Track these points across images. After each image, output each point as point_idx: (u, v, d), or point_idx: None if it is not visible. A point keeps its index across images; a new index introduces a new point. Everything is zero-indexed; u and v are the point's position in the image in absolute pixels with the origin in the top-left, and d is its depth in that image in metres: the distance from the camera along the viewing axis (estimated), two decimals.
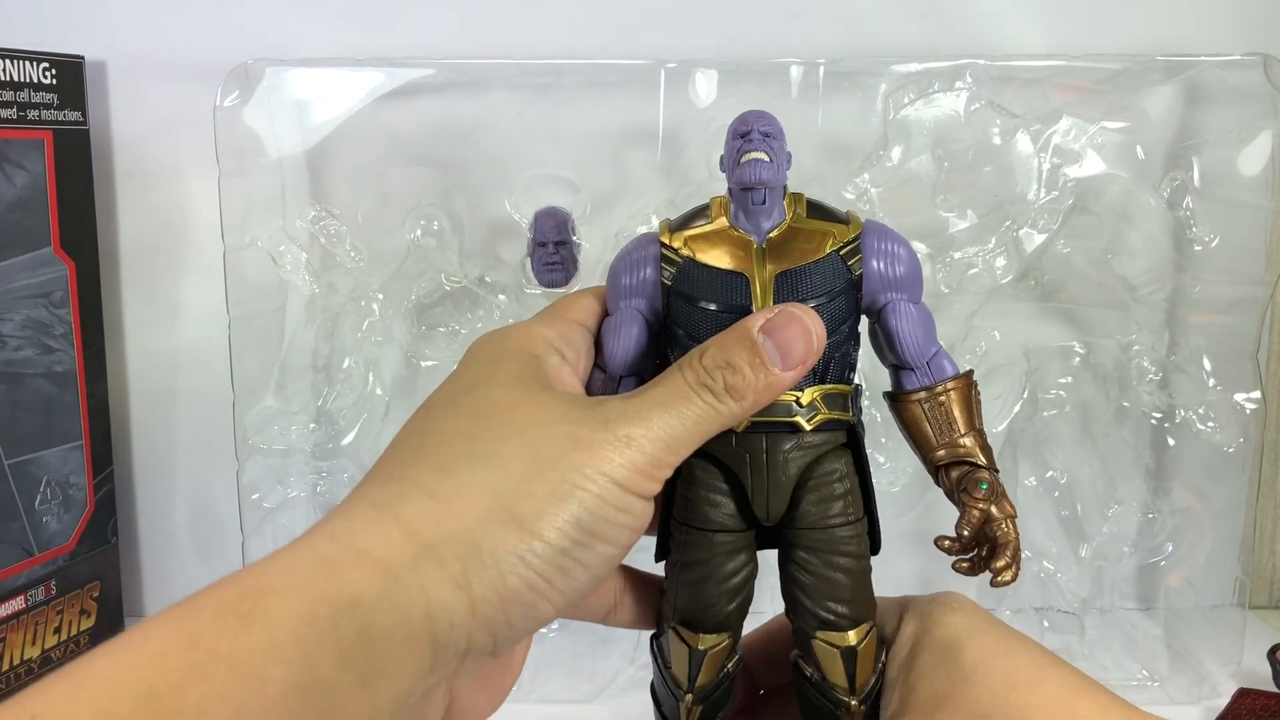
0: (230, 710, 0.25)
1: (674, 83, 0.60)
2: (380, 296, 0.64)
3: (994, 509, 0.38)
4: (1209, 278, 0.62)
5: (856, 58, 0.61)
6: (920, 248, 0.61)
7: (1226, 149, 0.61)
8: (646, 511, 0.33)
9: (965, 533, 0.39)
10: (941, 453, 0.39)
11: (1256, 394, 0.62)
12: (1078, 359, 0.65)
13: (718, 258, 0.39)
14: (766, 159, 0.38)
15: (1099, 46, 0.62)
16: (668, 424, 0.34)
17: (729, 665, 0.41)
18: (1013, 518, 0.39)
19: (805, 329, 0.35)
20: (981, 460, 0.39)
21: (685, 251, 0.39)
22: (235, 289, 0.62)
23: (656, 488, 0.33)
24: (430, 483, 0.31)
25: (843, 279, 0.38)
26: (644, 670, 0.51)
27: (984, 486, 0.38)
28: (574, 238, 0.60)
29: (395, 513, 0.30)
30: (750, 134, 0.38)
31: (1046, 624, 0.64)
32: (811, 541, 0.39)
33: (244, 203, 0.62)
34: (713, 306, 0.38)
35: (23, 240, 0.62)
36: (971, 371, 0.40)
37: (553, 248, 0.59)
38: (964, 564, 0.39)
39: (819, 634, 0.39)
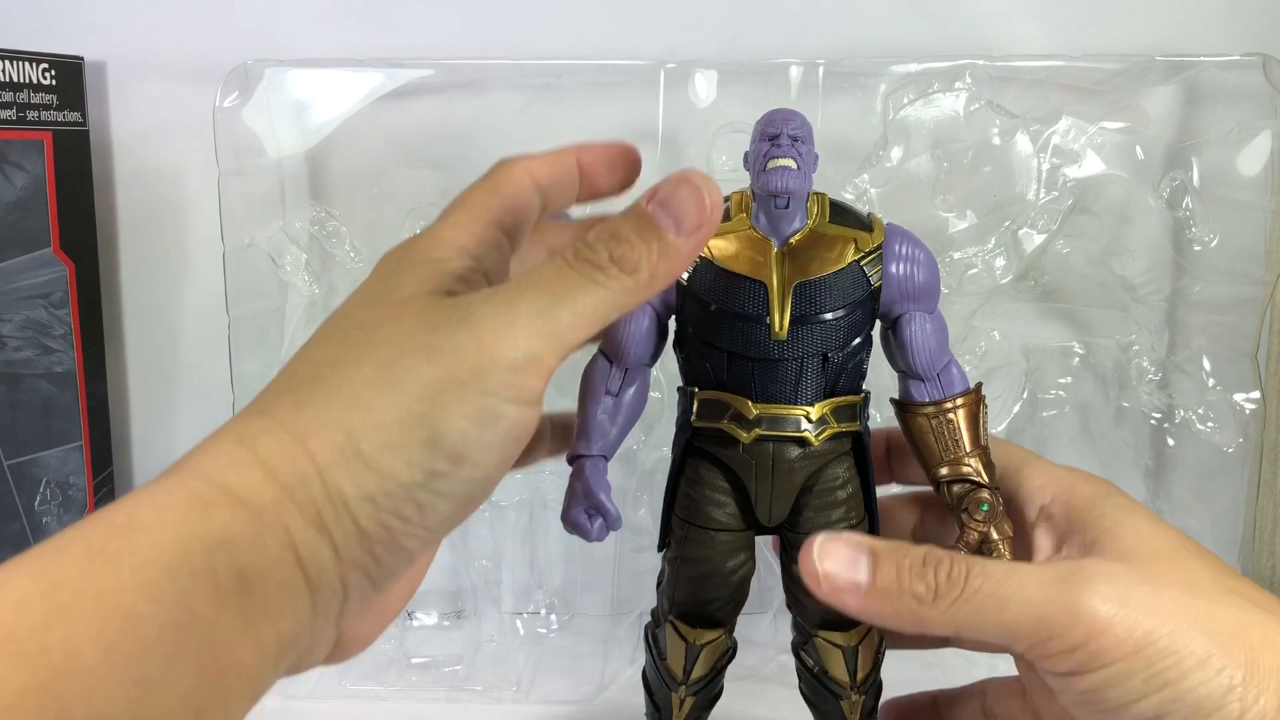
0: (100, 650, 0.24)
1: (674, 83, 0.60)
2: None
3: (993, 530, 0.38)
4: (1208, 278, 0.62)
5: (856, 58, 0.61)
6: None
7: (1226, 149, 0.61)
8: (526, 420, 0.30)
9: (962, 552, 0.39)
10: (945, 470, 0.39)
11: (1256, 394, 0.62)
12: (1077, 359, 0.65)
13: (734, 260, 0.37)
14: (794, 166, 0.36)
15: (1098, 47, 0.62)
16: (542, 311, 0.29)
17: (722, 659, 0.41)
18: (1010, 539, 0.39)
19: (695, 189, 0.32)
20: (985, 480, 0.39)
21: (703, 251, 0.38)
22: (235, 289, 0.62)
23: (537, 387, 0.30)
24: (288, 418, 0.29)
25: (863, 290, 0.37)
26: None
27: (985, 509, 0.38)
28: None
29: (255, 450, 0.28)
30: (779, 138, 0.37)
31: None
32: None
33: (244, 203, 0.62)
34: (731, 313, 0.37)
35: (22, 241, 0.62)
36: (980, 385, 0.40)
37: None
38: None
39: (821, 633, 0.40)
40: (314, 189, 0.66)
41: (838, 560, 0.34)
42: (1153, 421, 0.64)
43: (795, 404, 0.38)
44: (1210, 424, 0.63)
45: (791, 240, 0.38)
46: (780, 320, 0.37)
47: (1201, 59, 0.60)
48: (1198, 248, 0.61)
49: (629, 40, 0.65)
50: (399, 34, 0.66)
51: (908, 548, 0.34)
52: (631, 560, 0.65)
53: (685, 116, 0.60)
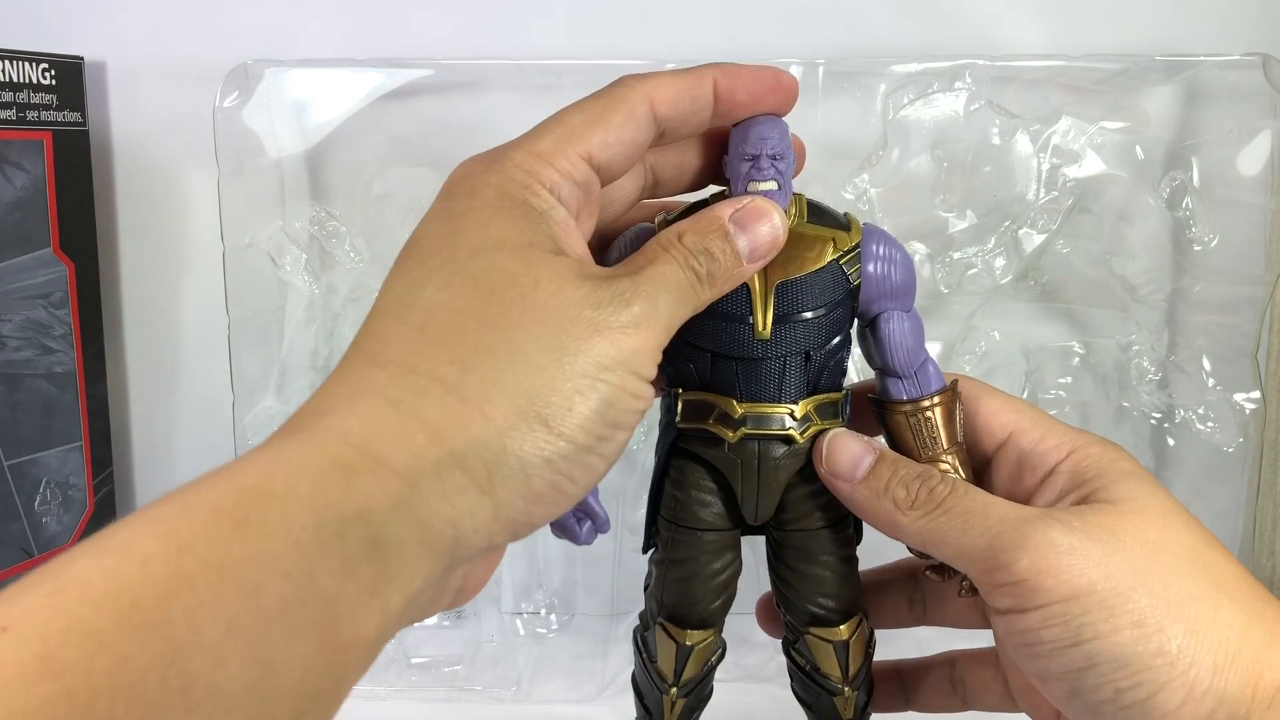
0: (223, 624, 0.23)
1: None
2: None
3: None
4: (1208, 278, 0.62)
5: (856, 58, 0.61)
6: (920, 248, 0.62)
7: (1226, 149, 0.61)
8: (652, 394, 0.33)
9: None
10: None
11: (1256, 394, 0.62)
12: (1077, 359, 0.65)
13: None
14: (776, 188, 0.37)
15: (1098, 46, 0.62)
16: (669, 303, 0.33)
17: (713, 659, 0.41)
18: None
19: (774, 227, 0.35)
20: (962, 476, 0.39)
21: None
22: (235, 289, 0.62)
23: (656, 369, 0.33)
24: (451, 379, 0.29)
25: (842, 289, 0.38)
26: None
27: None
28: None
29: (418, 413, 0.28)
30: (759, 159, 0.37)
31: None
32: (799, 542, 0.40)
33: (243, 203, 0.62)
34: (715, 314, 0.37)
35: (22, 241, 0.62)
36: (956, 383, 0.40)
37: None
38: (932, 573, 0.40)
39: (812, 629, 0.40)
40: (314, 189, 0.66)
41: (846, 452, 0.37)
42: (1153, 421, 0.64)
43: (779, 402, 0.38)
44: (1210, 424, 0.63)
45: None
46: (763, 319, 0.37)
47: (1201, 59, 0.60)
48: (1198, 248, 0.61)
49: (629, 40, 0.65)
50: (399, 34, 0.66)
51: (910, 463, 0.37)
52: (631, 560, 0.65)
53: None
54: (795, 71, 0.60)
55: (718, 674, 0.42)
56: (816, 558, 0.39)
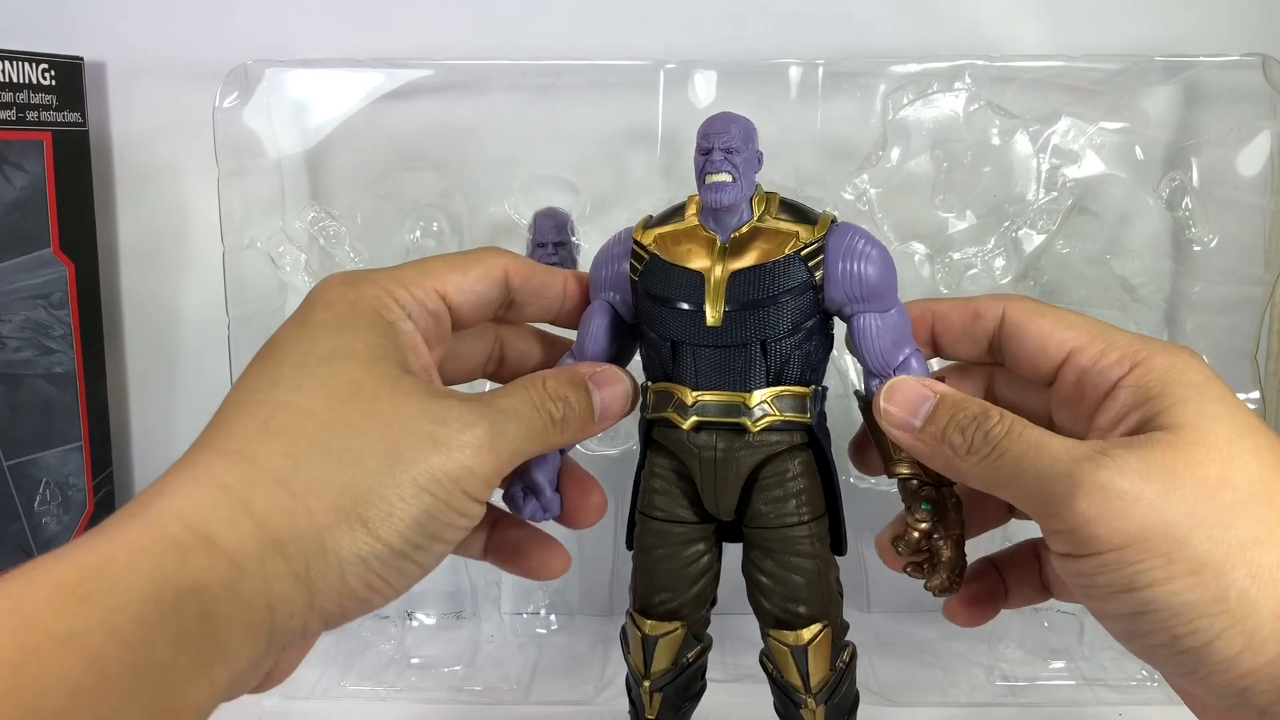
0: (67, 690, 0.25)
1: (673, 83, 0.60)
2: None
3: (939, 526, 0.39)
4: (1208, 278, 0.62)
5: (855, 58, 0.61)
6: (919, 248, 0.62)
7: (1225, 149, 0.61)
8: (479, 516, 0.34)
9: (900, 551, 0.39)
10: (894, 467, 0.39)
11: (1256, 394, 0.62)
12: None
13: (683, 255, 0.39)
14: (729, 180, 0.37)
15: (1098, 47, 0.62)
16: (517, 437, 0.35)
17: (689, 655, 0.41)
18: (957, 536, 0.39)
19: (625, 392, 0.39)
20: (931, 478, 0.39)
21: (654, 249, 0.39)
22: (235, 290, 0.62)
23: (489, 495, 0.35)
24: (283, 472, 0.31)
25: (800, 280, 0.38)
26: None
27: (925, 507, 0.39)
28: (573, 238, 0.60)
29: (246, 501, 0.30)
30: (712, 152, 0.37)
31: (1046, 624, 0.64)
32: (766, 541, 0.40)
33: (243, 203, 0.62)
34: (672, 304, 0.38)
35: (22, 241, 0.62)
36: (943, 379, 0.40)
37: (552, 248, 0.59)
38: (909, 569, 0.40)
39: (771, 632, 0.40)
40: (314, 189, 0.66)
41: (905, 398, 0.37)
42: None
43: (735, 391, 0.38)
44: None
45: (735, 235, 0.39)
46: (715, 307, 0.37)
47: (1201, 59, 0.60)
48: (1197, 248, 0.61)
49: (629, 40, 0.65)
50: (399, 34, 0.66)
51: (968, 401, 0.36)
52: (630, 560, 0.64)
53: (685, 117, 0.60)
54: (795, 72, 0.60)
55: (715, 674, 0.42)
56: (783, 559, 0.39)
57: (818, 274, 0.38)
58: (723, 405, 0.38)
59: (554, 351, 0.44)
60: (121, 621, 0.26)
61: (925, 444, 0.36)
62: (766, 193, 0.40)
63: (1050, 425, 0.37)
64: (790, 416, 0.38)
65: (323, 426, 0.32)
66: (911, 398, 0.36)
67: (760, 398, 0.38)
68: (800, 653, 0.39)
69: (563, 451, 0.41)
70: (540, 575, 0.43)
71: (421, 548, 0.32)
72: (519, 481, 0.40)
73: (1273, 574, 0.30)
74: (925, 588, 0.39)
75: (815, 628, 0.39)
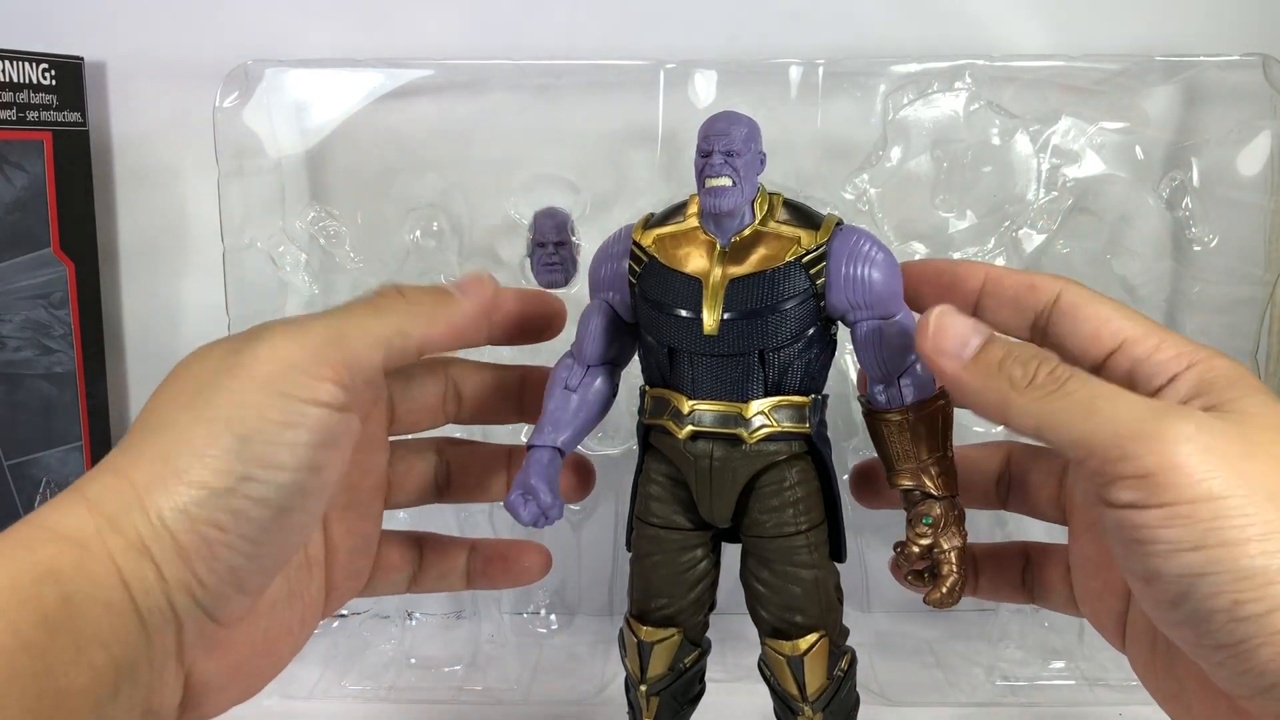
0: None
1: (673, 83, 0.60)
2: None
3: (941, 540, 0.38)
4: (1208, 278, 0.62)
5: (856, 58, 0.61)
6: (920, 248, 0.61)
7: (1226, 149, 0.61)
8: (330, 423, 0.32)
9: (902, 565, 0.39)
10: (898, 479, 0.39)
11: None
12: None
13: (681, 259, 0.38)
14: (729, 184, 0.36)
15: (1098, 47, 0.62)
16: (330, 325, 0.33)
17: (685, 660, 0.41)
18: (958, 549, 0.38)
19: (479, 277, 0.38)
20: (935, 491, 0.38)
21: (653, 250, 0.38)
22: (235, 290, 0.62)
23: (333, 391, 0.32)
24: (116, 462, 0.31)
25: (801, 289, 0.37)
26: None
27: (927, 522, 0.38)
28: (573, 238, 0.60)
29: (83, 492, 0.31)
30: (712, 155, 0.36)
31: (1046, 624, 0.64)
32: (764, 550, 0.39)
33: (243, 203, 0.62)
34: (669, 310, 0.37)
35: (22, 241, 0.62)
36: (943, 392, 0.38)
37: (552, 248, 0.59)
38: (908, 579, 0.40)
39: (769, 641, 0.40)
40: (314, 189, 0.65)
41: (955, 328, 0.34)
42: None
43: (732, 400, 0.37)
44: None
45: (735, 239, 0.37)
46: (711, 316, 0.37)
47: (1201, 59, 0.60)
48: (1198, 248, 0.61)
49: (629, 40, 0.65)
50: (399, 34, 0.66)
51: (1026, 344, 0.34)
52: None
53: (685, 117, 0.60)
54: (795, 72, 0.60)
55: (715, 674, 0.42)
56: (781, 568, 0.39)
57: (819, 281, 0.37)
58: (719, 415, 0.37)
59: (510, 377, 0.43)
60: None
61: (974, 374, 0.34)
62: (770, 193, 0.38)
63: None
64: (788, 427, 0.38)
65: (151, 413, 0.33)
66: (962, 328, 0.35)
67: (758, 408, 0.37)
68: (796, 663, 0.39)
69: (560, 452, 0.41)
70: (526, 579, 0.43)
71: (250, 478, 0.31)
72: (518, 488, 0.39)
73: None
74: (924, 599, 0.38)
75: (812, 637, 0.39)
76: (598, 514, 0.66)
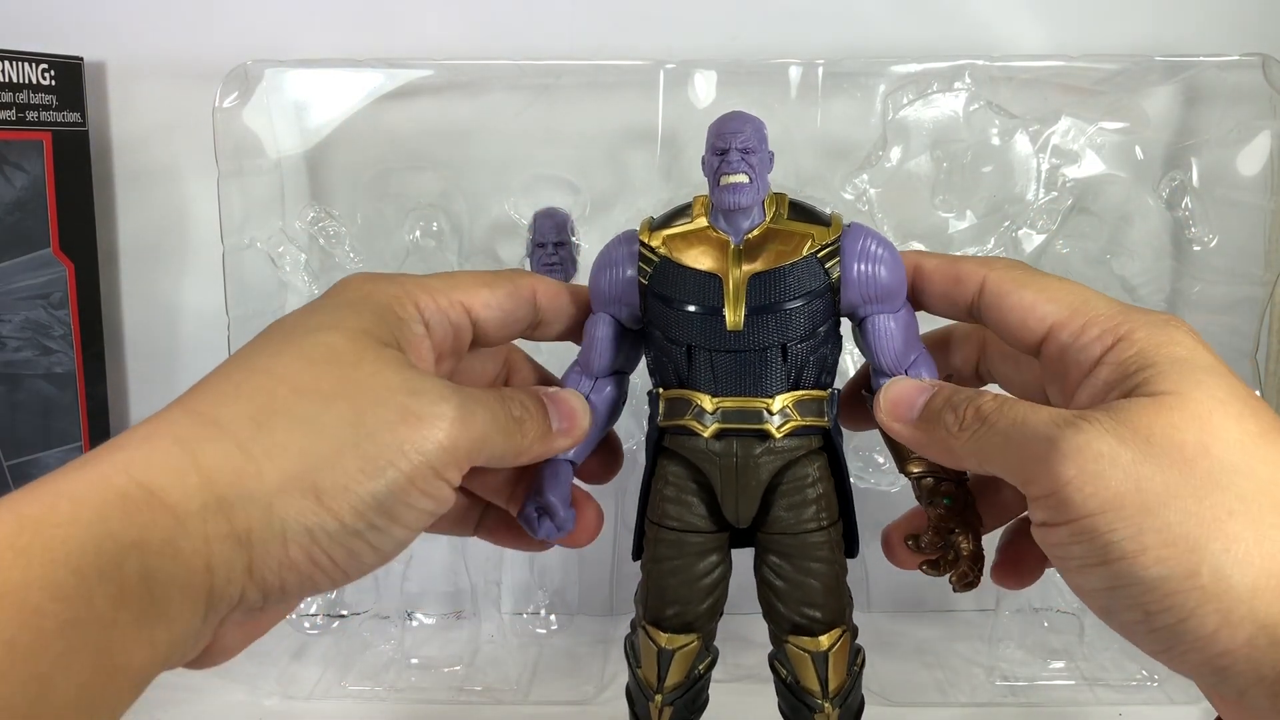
0: (2, 645, 0.24)
1: (673, 83, 0.60)
2: None
3: (960, 522, 0.38)
4: (1208, 278, 0.62)
5: (855, 58, 0.61)
6: (920, 248, 0.61)
7: (1225, 149, 0.61)
8: (447, 500, 0.33)
9: (923, 546, 0.39)
10: (913, 466, 0.39)
11: (1256, 394, 0.61)
12: None
13: (695, 258, 0.38)
14: (746, 180, 0.37)
15: (1098, 47, 0.62)
16: (485, 422, 0.33)
17: (700, 666, 0.41)
18: (975, 530, 0.39)
19: (577, 410, 0.38)
20: (950, 474, 0.38)
21: (663, 251, 0.38)
22: (234, 290, 0.62)
23: (458, 480, 0.33)
24: (243, 434, 0.30)
25: (819, 282, 0.37)
26: None
27: (947, 502, 0.38)
28: (573, 238, 0.60)
29: (196, 455, 0.29)
30: (729, 153, 0.37)
31: (1046, 624, 0.64)
32: (784, 547, 0.39)
33: (243, 204, 0.62)
34: (688, 308, 0.38)
35: (22, 241, 0.62)
36: (950, 379, 0.39)
37: (552, 248, 0.59)
38: (927, 566, 0.39)
39: (791, 639, 0.39)
40: (314, 189, 0.66)
41: (903, 396, 0.37)
42: None
43: (755, 397, 0.38)
44: None
45: (749, 236, 0.38)
46: (735, 311, 0.37)
47: (1201, 59, 0.60)
48: (1197, 248, 0.61)
49: (629, 40, 0.65)
50: (399, 34, 0.66)
51: (957, 388, 0.36)
52: (631, 561, 0.64)
53: (685, 117, 0.60)
54: (795, 71, 0.60)
55: (716, 674, 0.42)
56: (801, 564, 0.39)
57: (834, 275, 0.38)
58: (744, 411, 0.38)
59: (552, 381, 0.43)
60: (60, 576, 0.26)
61: (922, 430, 0.36)
62: (775, 193, 0.39)
63: (1044, 399, 0.36)
64: (810, 421, 0.38)
65: (293, 391, 0.31)
66: (908, 393, 0.37)
67: (782, 403, 0.38)
68: (821, 659, 0.39)
69: (573, 464, 0.41)
70: (586, 537, 0.42)
71: (377, 528, 0.31)
72: (532, 501, 0.39)
73: (1249, 549, 0.28)
74: (949, 581, 0.38)
75: (835, 633, 0.39)
76: None
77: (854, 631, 0.40)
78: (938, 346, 0.42)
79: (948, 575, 0.39)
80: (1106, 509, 0.29)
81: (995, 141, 0.60)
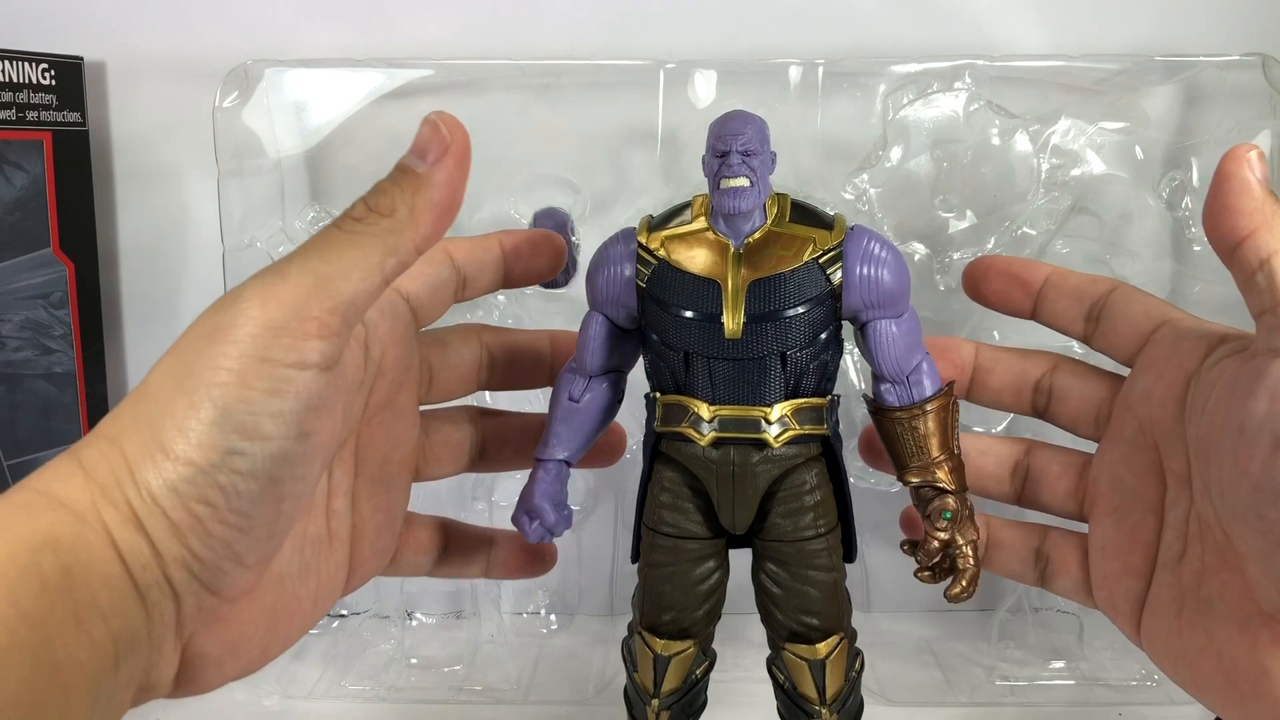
0: None
1: (673, 83, 0.60)
2: None
3: (957, 535, 0.38)
4: (1208, 278, 0.62)
5: (855, 58, 0.61)
6: (920, 248, 0.61)
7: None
8: (315, 385, 0.31)
9: (919, 560, 0.39)
10: (912, 476, 0.39)
11: None
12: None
13: (693, 261, 0.37)
14: (747, 184, 0.36)
15: (1098, 47, 0.62)
16: (308, 269, 0.30)
17: (697, 671, 0.40)
18: (974, 543, 0.38)
19: (432, 123, 0.34)
20: (950, 486, 0.38)
21: (661, 253, 0.38)
22: None
23: (317, 348, 0.30)
24: (108, 427, 0.30)
25: (820, 288, 0.37)
26: None
27: (947, 516, 0.38)
28: (573, 238, 0.60)
29: (78, 457, 0.29)
30: (729, 155, 0.36)
31: (1047, 624, 0.64)
32: (782, 554, 0.39)
33: (243, 203, 0.62)
34: (685, 313, 0.37)
35: (22, 241, 0.62)
36: (951, 386, 0.39)
37: None
38: (925, 574, 0.39)
39: (788, 646, 0.39)
40: (314, 189, 0.65)
41: None
42: None
43: (754, 405, 0.37)
44: None
45: (749, 240, 0.37)
46: (733, 318, 0.36)
47: (1201, 59, 0.60)
48: (1197, 248, 0.61)
49: (629, 40, 0.65)
50: (399, 34, 0.66)
51: None
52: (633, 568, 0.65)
53: (685, 116, 0.60)
54: (795, 71, 0.60)
55: (715, 674, 0.42)
56: (799, 571, 0.39)
57: (836, 280, 0.37)
58: (742, 420, 0.37)
59: (539, 340, 0.44)
60: None
61: None
62: (777, 194, 0.38)
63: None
64: (809, 429, 0.38)
65: (145, 380, 0.31)
66: None
67: (780, 411, 0.37)
68: (819, 667, 0.39)
69: (569, 464, 0.40)
70: (540, 571, 0.43)
71: (239, 452, 0.29)
72: (521, 506, 0.40)
73: None
74: (945, 595, 0.39)
75: (832, 641, 0.39)
76: (598, 514, 0.66)
77: (852, 635, 0.40)
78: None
79: (943, 586, 0.39)
80: None
81: (995, 141, 0.60)
